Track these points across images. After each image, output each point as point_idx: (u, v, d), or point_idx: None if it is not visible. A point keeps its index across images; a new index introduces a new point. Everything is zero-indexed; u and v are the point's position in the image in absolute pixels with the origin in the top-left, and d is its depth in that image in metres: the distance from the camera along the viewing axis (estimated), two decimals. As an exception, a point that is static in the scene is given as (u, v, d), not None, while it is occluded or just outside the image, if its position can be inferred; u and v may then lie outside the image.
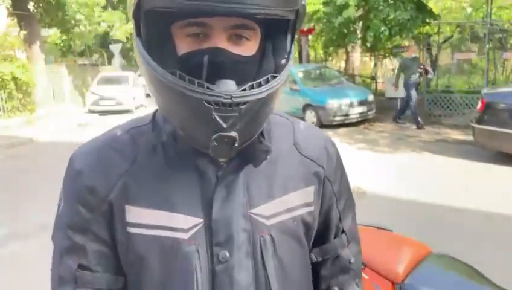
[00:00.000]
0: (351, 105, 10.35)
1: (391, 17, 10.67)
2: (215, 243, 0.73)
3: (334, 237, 0.92)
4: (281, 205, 0.79)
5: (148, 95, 20.72)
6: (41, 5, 14.58)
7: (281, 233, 0.78)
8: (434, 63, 12.52)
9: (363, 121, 10.74)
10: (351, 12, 11.45)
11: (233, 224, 0.73)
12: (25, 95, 13.44)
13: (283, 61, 0.73)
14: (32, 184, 6.35)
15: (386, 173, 6.28)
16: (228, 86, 0.64)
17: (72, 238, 0.76)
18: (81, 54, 23.13)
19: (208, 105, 0.62)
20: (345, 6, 11.13)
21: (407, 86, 9.77)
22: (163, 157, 0.75)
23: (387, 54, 14.60)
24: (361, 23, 12.61)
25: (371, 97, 10.97)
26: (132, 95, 16.39)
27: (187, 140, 0.71)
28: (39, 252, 4.13)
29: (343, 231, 0.92)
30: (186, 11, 0.62)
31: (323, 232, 0.90)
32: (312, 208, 0.84)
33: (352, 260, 0.94)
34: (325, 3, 11.76)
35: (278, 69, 0.72)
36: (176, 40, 0.68)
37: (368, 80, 15.48)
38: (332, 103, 10.18)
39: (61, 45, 21.11)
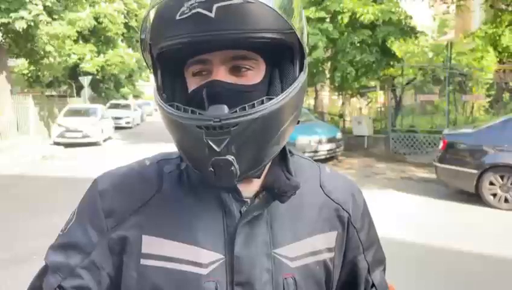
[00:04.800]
0: (320, 142, 10.56)
1: (357, 59, 11.13)
2: (236, 282, 0.70)
3: None
4: (305, 247, 0.77)
5: (116, 128, 20.54)
6: (10, 35, 14.38)
7: (304, 277, 0.75)
8: (398, 104, 13.01)
9: (331, 157, 10.94)
10: (320, 53, 11.88)
11: (256, 263, 0.71)
12: (-13, 126, 13.02)
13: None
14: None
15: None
16: (219, 110, 0.64)
17: (67, 257, 0.74)
18: (49, 85, 22.75)
19: (199, 129, 0.63)
20: (314, 47, 11.54)
21: None
22: (189, 190, 0.75)
23: (354, 94, 15.09)
24: (329, 63, 13.07)
25: (339, 135, 11.24)
26: (100, 128, 16.13)
27: (195, 169, 0.71)
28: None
29: (373, 285, 0.87)
30: (187, 49, 0.67)
31: (351, 285, 0.86)
32: (333, 254, 0.80)
33: None
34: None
35: None
36: (187, 79, 0.73)
37: (336, 118, 15.88)
38: (302, 139, 10.36)
39: (29, 75, 20.74)
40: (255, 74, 0.70)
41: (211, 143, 0.63)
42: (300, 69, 0.73)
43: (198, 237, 0.71)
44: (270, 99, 0.67)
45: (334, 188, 0.84)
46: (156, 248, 0.71)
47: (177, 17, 0.62)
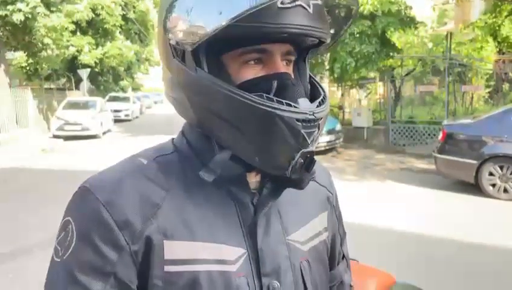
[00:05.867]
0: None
1: (357, 50, 11.09)
2: (264, 274, 0.71)
3: (338, 263, 0.93)
4: (310, 230, 0.81)
5: (116, 121, 20.50)
6: (7, 28, 14.28)
7: (314, 258, 0.80)
8: (398, 95, 12.99)
9: (331, 149, 10.95)
10: (319, 44, 11.79)
11: (277, 253, 0.73)
12: (-14, 119, 12.98)
13: (308, 86, 0.77)
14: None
15: (353, 201, 6.39)
16: (307, 104, 0.67)
17: (88, 287, 0.64)
18: (48, 78, 22.64)
19: (298, 123, 0.64)
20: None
21: None
22: (197, 187, 0.72)
23: (353, 85, 15.06)
24: (328, 54, 13.02)
25: (338, 126, 11.23)
26: (99, 120, 16.13)
27: (263, 165, 0.68)
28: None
29: (343, 257, 0.95)
30: (261, 36, 0.65)
31: (331, 259, 0.91)
32: (327, 233, 0.87)
33: (352, 284, 0.96)
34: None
35: (306, 92, 0.76)
36: (230, 68, 0.68)
37: (336, 110, 15.85)
38: (301, 132, 10.35)
39: (27, 68, 20.64)
40: (291, 70, 0.74)
41: (306, 136, 0.65)
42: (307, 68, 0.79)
43: (219, 234, 0.70)
44: (325, 96, 0.73)
45: (318, 174, 0.88)
46: (179, 252, 0.67)
47: (279, 5, 0.61)
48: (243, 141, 0.67)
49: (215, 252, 0.69)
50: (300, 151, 0.65)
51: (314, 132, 0.66)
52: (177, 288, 0.67)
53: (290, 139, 0.64)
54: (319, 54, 0.83)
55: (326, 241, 0.85)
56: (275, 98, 0.64)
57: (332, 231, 0.90)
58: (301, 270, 0.76)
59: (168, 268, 0.66)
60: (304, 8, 0.63)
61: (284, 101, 0.64)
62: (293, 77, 0.73)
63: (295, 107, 0.64)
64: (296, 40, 0.71)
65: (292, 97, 0.67)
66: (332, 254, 0.92)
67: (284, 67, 0.70)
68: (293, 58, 0.73)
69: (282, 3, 0.61)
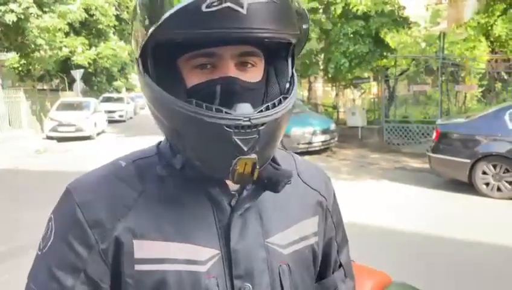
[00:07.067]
0: (314, 133, 10.57)
1: (351, 50, 11.12)
2: (236, 275, 0.70)
3: (333, 272, 0.90)
4: (294, 234, 0.79)
5: (110, 121, 20.41)
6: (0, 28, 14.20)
7: (296, 263, 0.78)
8: (391, 94, 13.05)
9: (325, 149, 10.97)
10: (313, 44, 11.85)
11: (252, 255, 0.72)
12: (-22, 121, 12.87)
13: (287, 85, 0.74)
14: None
15: (348, 200, 6.39)
16: (245, 109, 0.64)
17: (62, 281, 0.68)
18: (41, 79, 22.50)
19: (228, 129, 0.62)
20: (308, 38, 11.52)
21: None
22: (173, 187, 0.72)
23: (348, 85, 15.10)
24: (323, 55, 13.05)
25: (333, 126, 11.26)
26: (93, 121, 16.06)
27: (205, 170, 0.68)
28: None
29: (340, 265, 0.91)
30: (200, 41, 0.63)
31: (323, 266, 0.89)
32: (317, 238, 0.84)
33: None
34: (288, 35, 12.09)
35: (283, 93, 0.73)
36: (183, 73, 0.68)
37: (330, 109, 15.89)
38: (296, 131, 10.38)
39: (20, 68, 20.49)
40: (257, 71, 0.71)
41: (239, 143, 0.62)
42: (292, 65, 0.76)
43: (192, 234, 0.70)
44: (285, 98, 0.69)
45: (310, 176, 0.87)
46: (149, 251, 0.69)
47: (204, 9, 0.58)
48: (184, 145, 0.68)
49: (185, 252, 0.69)
50: (237, 158, 0.63)
51: (252, 138, 0.63)
52: (146, 287, 0.68)
53: (223, 146, 0.63)
54: (299, 51, 0.79)
55: (315, 246, 0.83)
56: (204, 104, 0.63)
57: (326, 237, 0.88)
58: (279, 273, 0.75)
59: (139, 267, 0.68)
60: (234, 9, 0.58)
61: (213, 106, 0.63)
62: (259, 79, 0.71)
63: (226, 113, 0.63)
64: (255, 41, 0.67)
65: (231, 103, 0.65)
66: (327, 261, 0.89)
67: (234, 70, 0.67)
68: (254, 59, 0.70)
69: (207, 6, 0.58)
